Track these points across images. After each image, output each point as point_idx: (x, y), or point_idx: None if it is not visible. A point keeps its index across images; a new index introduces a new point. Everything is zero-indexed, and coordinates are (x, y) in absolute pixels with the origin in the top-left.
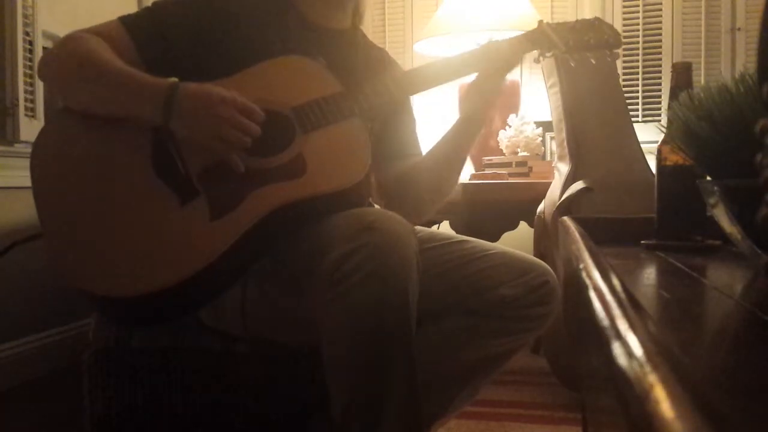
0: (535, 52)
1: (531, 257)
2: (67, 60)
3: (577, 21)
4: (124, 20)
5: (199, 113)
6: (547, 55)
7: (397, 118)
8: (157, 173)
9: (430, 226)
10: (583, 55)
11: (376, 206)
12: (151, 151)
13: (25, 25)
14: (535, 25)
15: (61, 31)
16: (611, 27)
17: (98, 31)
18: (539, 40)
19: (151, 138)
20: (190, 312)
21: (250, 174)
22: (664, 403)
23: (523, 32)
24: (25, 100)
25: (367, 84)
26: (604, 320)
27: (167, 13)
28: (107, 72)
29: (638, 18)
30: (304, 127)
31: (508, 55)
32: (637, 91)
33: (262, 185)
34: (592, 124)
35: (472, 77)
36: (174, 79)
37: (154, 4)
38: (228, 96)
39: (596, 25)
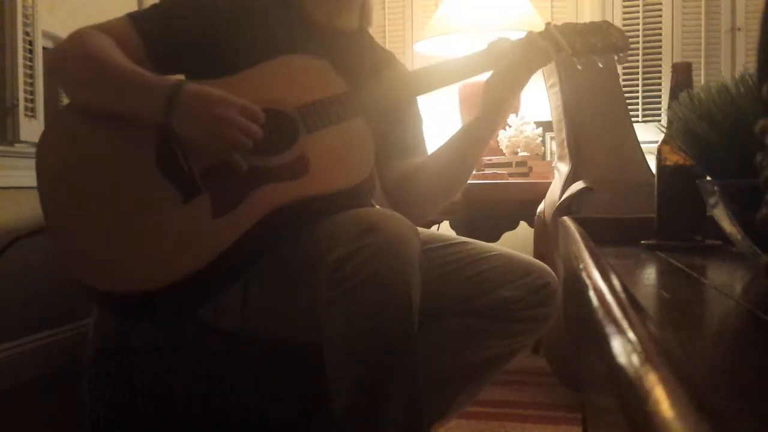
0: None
1: (531, 259)
2: (73, 57)
3: (585, 23)
4: (133, 17)
5: (201, 114)
6: (554, 58)
7: (403, 117)
8: (160, 170)
9: (429, 227)
10: (590, 58)
11: (377, 207)
12: (155, 149)
13: (25, 25)
14: (537, 25)
15: (61, 31)
16: (619, 30)
17: (106, 29)
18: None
19: (155, 135)
20: (191, 308)
21: (253, 173)
22: (664, 403)
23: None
24: (25, 100)
25: (372, 84)
26: (604, 320)
27: (175, 10)
28: (112, 70)
29: (638, 18)
30: (308, 126)
31: (521, 56)
32: (637, 91)
33: (264, 184)
34: (592, 124)
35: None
36: (178, 79)
37: (162, 1)
38: (229, 98)
39: (604, 28)
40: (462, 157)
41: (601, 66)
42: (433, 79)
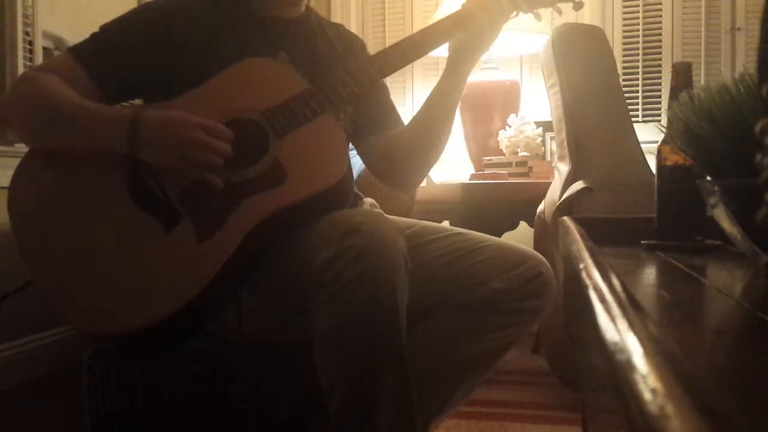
0: None
1: (525, 249)
2: (23, 103)
3: None
4: (74, 51)
5: (165, 139)
6: (512, 16)
7: (369, 95)
8: (136, 203)
9: None
10: (547, 10)
11: (368, 199)
12: (127, 181)
13: (25, 25)
14: (536, 25)
15: (61, 31)
16: None
17: (51, 68)
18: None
19: (125, 167)
20: (194, 334)
21: (230, 189)
22: (664, 403)
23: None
24: None
25: (333, 75)
26: (604, 320)
27: (117, 36)
28: (67, 109)
29: (638, 18)
30: (276, 131)
31: (476, 21)
32: (637, 91)
33: (244, 198)
34: (592, 124)
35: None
36: (135, 105)
37: (101, 29)
38: (190, 118)
39: None
40: (435, 120)
41: (559, 16)
42: (398, 57)
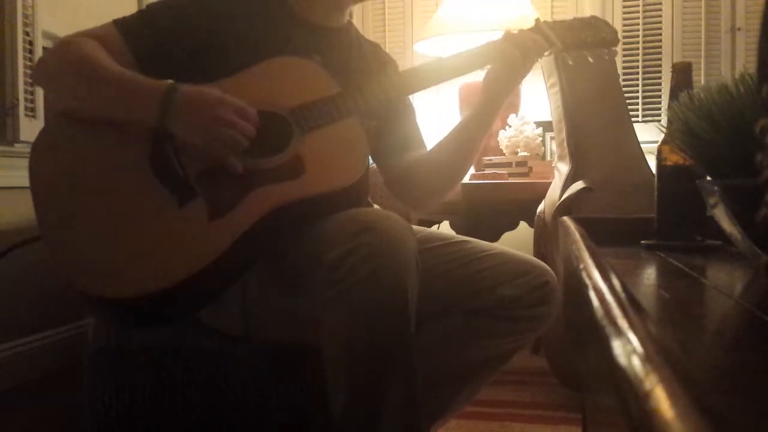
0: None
1: (531, 257)
2: (62, 64)
3: (574, 19)
4: (118, 23)
5: (196, 115)
6: (546, 54)
7: (396, 112)
8: (155, 174)
9: (430, 226)
10: (581, 54)
11: (375, 206)
12: (149, 152)
13: (25, 25)
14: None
15: (61, 31)
16: (608, 24)
17: (93, 35)
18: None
19: (149, 139)
20: (191, 313)
21: (248, 175)
22: (664, 403)
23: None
24: (25, 100)
25: (364, 84)
26: (604, 320)
27: (161, 15)
28: (103, 75)
29: (638, 18)
30: (301, 128)
31: (511, 57)
32: (637, 91)
33: (260, 186)
34: (592, 124)
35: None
36: (170, 81)
37: (148, 6)
38: (225, 98)
39: (593, 23)
40: (461, 150)
41: (591, 60)
42: (427, 76)
